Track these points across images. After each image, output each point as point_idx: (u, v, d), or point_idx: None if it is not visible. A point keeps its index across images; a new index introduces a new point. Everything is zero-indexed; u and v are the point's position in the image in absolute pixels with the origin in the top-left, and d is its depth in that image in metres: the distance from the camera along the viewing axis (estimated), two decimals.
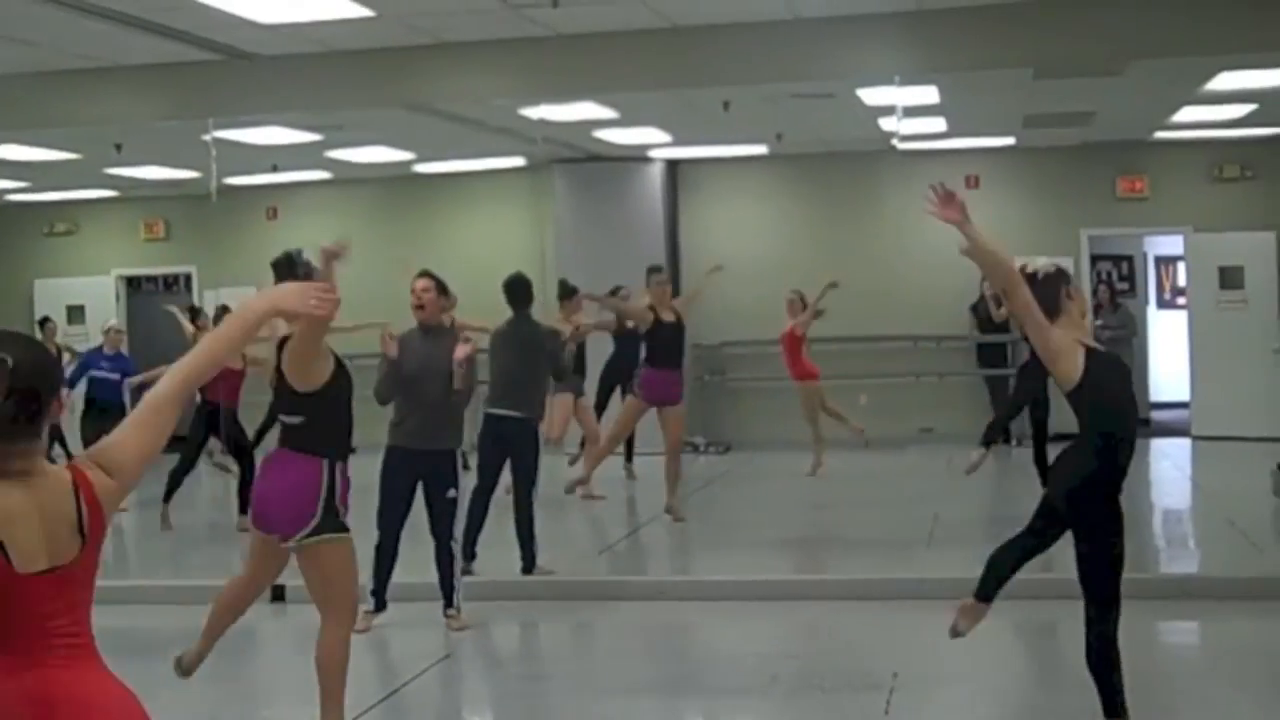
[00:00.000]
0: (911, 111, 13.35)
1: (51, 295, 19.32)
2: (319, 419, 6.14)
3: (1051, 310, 5.68)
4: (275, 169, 16.61)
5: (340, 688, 6.09)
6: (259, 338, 5.33)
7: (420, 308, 8.21)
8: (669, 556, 11.32)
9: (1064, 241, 17.14)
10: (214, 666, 6.77)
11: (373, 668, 7.83)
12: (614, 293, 13.58)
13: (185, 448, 12.19)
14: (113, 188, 18.15)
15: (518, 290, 9.74)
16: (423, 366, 8.09)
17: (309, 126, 13.72)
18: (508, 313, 9.78)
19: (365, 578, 8.33)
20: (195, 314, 14.13)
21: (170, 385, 3.17)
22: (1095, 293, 17.51)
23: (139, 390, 12.03)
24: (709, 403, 17.65)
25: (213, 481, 15.66)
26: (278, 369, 6.12)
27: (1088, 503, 5.73)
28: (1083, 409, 5.61)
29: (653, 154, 17.17)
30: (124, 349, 14.15)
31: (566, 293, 13.30)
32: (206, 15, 9.41)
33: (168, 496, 12.18)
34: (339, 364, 6.12)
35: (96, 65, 10.94)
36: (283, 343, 6.09)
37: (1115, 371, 5.70)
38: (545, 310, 11.58)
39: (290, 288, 3.31)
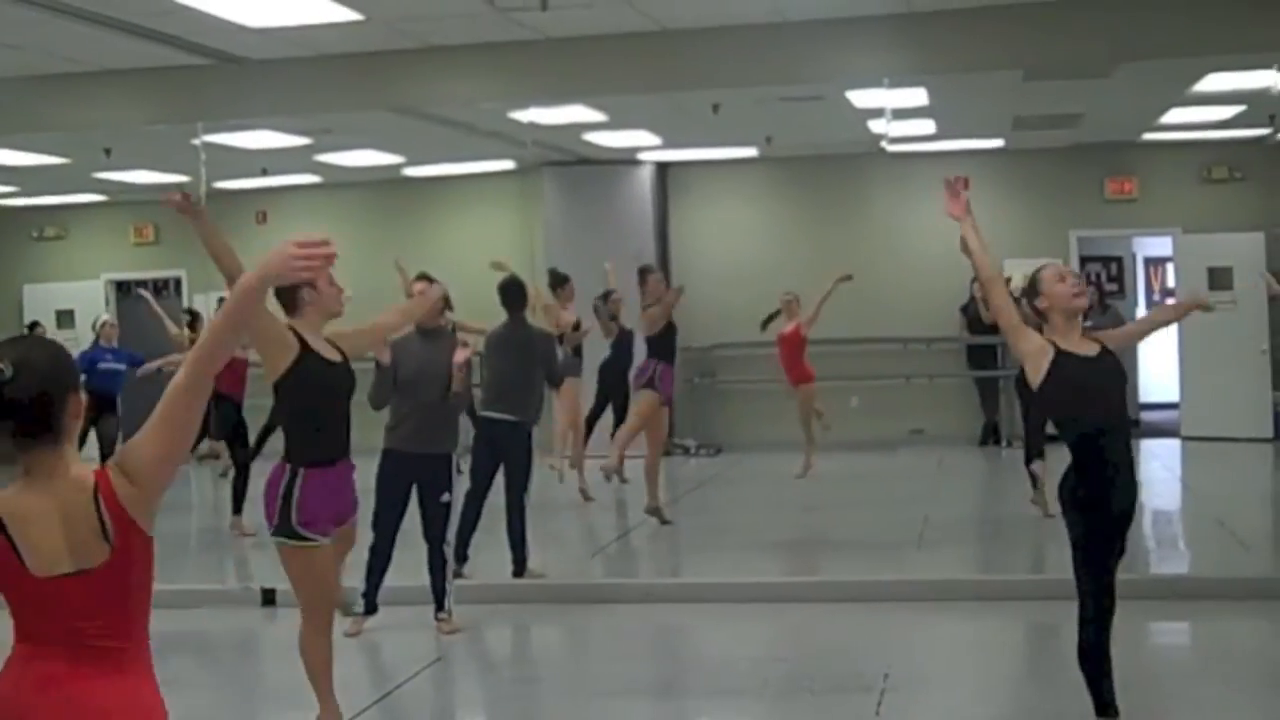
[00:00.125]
0: (901, 114, 13.37)
1: (41, 300, 19.27)
2: (282, 417, 6.19)
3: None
4: (265, 173, 16.59)
5: (322, 684, 6.19)
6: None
7: None
8: (660, 559, 11.32)
9: (1053, 243, 17.16)
10: (206, 672, 6.76)
11: (364, 671, 7.83)
12: (606, 297, 13.60)
13: None
14: (102, 192, 18.11)
15: (513, 293, 9.75)
16: (420, 369, 8.09)
17: (298, 130, 13.71)
18: (500, 315, 9.79)
19: (358, 580, 8.35)
20: (194, 318, 14.00)
21: (183, 375, 3.02)
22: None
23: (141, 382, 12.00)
24: (699, 405, 17.67)
25: (205, 479, 15.64)
26: None
27: (1069, 506, 5.80)
28: (1048, 411, 5.75)
29: (642, 157, 17.18)
30: (116, 344, 14.17)
31: (559, 281, 13.35)
32: (195, 19, 9.40)
33: None
34: (304, 359, 5.97)
35: (85, 69, 10.92)
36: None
37: (1082, 371, 5.71)
38: (536, 310, 11.56)
39: (274, 250, 3.01)
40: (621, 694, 7.39)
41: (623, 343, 13.81)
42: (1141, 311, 19.69)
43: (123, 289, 19.99)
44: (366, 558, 8.31)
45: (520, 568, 9.62)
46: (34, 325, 17.73)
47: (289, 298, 6.02)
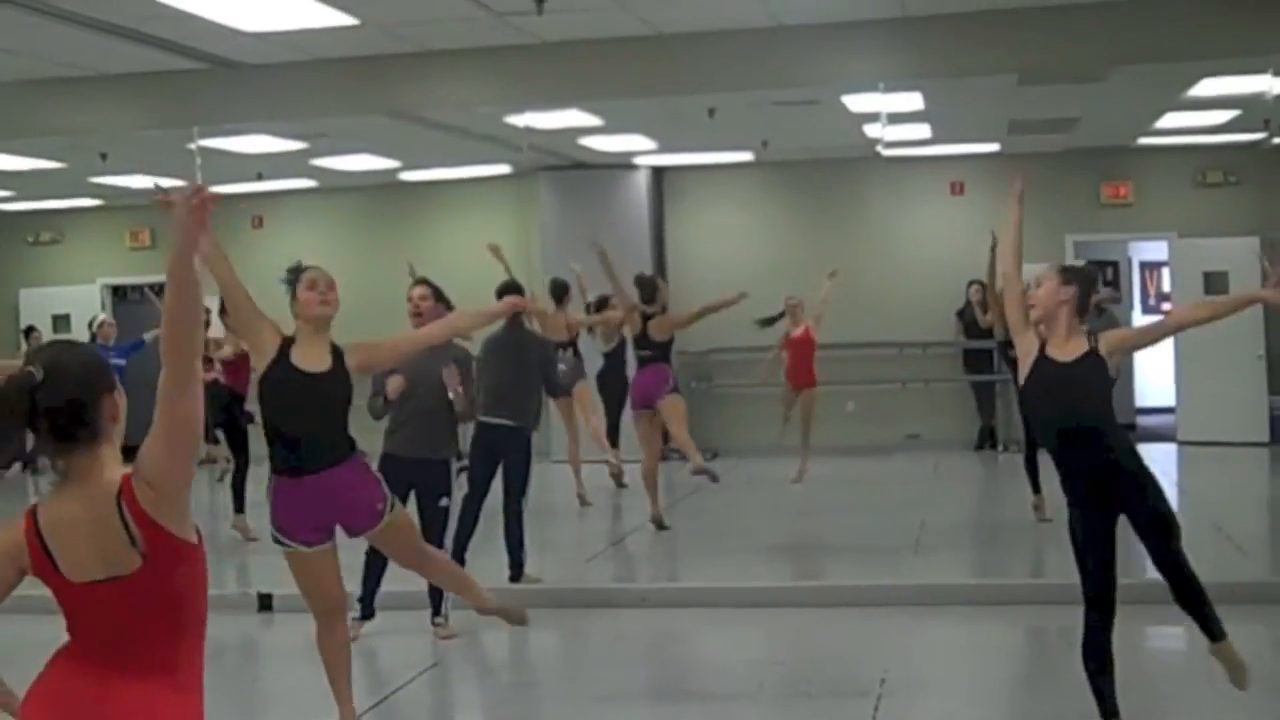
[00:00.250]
0: (896, 118, 13.38)
1: (37, 304, 19.27)
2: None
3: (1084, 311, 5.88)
4: (260, 177, 16.57)
5: (337, 686, 6.30)
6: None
7: (418, 315, 8.20)
8: (657, 564, 11.31)
9: (1049, 247, 17.15)
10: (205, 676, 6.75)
11: (361, 676, 7.80)
12: (601, 304, 13.61)
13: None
14: (98, 196, 18.11)
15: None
16: (418, 375, 8.06)
17: (294, 135, 13.71)
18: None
19: (354, 585, 8.34)
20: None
21: (164, 369, 2.94)
22: None
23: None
24: (696, 409, 17.59)
25: (201, 483, 15.63)
26: None
27: (1069, 505, 5.84)
28: (1021, 411, 5.89)
29: (638, 161, 17.18)
30: (113, 344, 14.18)
31: (564, 290, 13.40)
32: (191, 24, 9.40)
33: None
34: (275, 367, 6.03)
35: (81, 74, 10.92)
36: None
37: (1052, 375, 5.74)
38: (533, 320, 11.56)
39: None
40: (618, 699, 7.39)
41: (619, 352, 13.86)
42: (1137, 316, 19.71)
43: (119, 293, 19.99)
44: (363, 561, 8.30)
45: (517, 572, 9.61)
46: (30, 330, 17.73)
47: (293, 306, 6.17)
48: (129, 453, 2.92)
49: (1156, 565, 5.93)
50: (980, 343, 17.06)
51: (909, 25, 10.11)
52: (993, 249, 10.88)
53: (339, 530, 6.26)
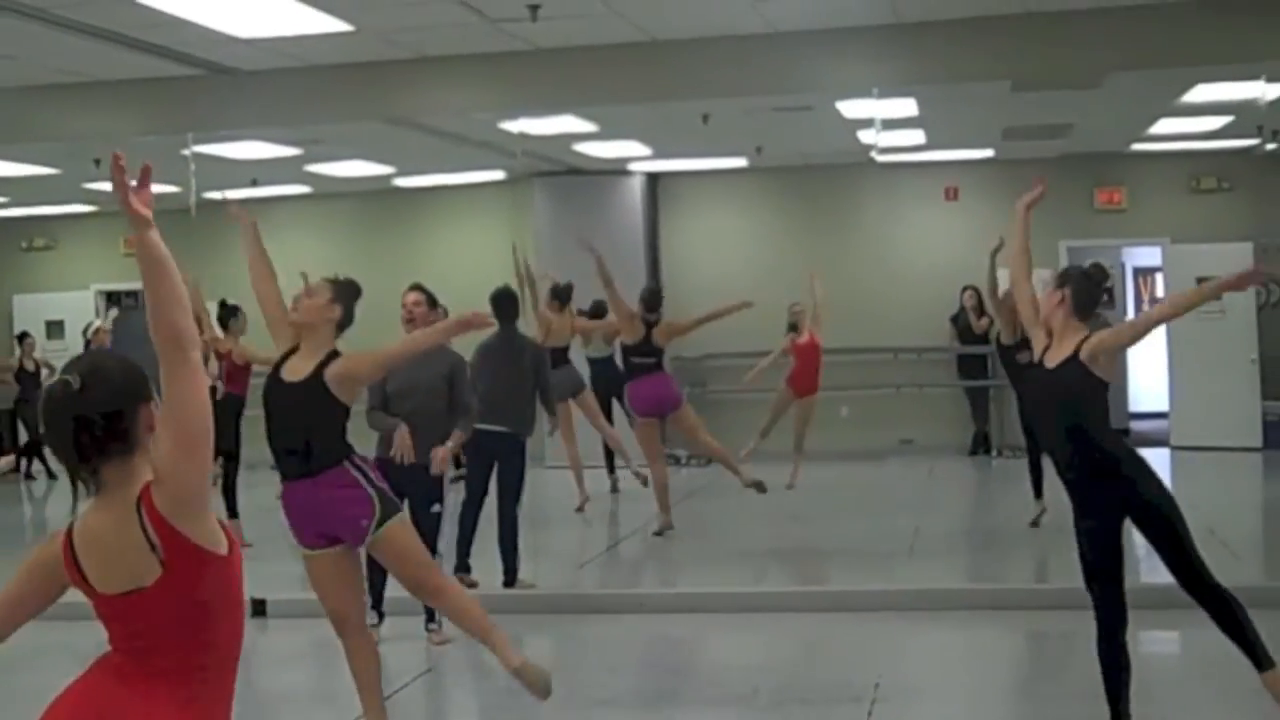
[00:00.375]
0: (890, 124, 13.40)
1: (30, 310, 19.24)
2: None
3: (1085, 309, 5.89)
4: (255, 183, 16.57)
5: (361, 694, 6.33)
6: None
7: (410, 321, 8.22)
8: (651, 569, 11.32)
9: (1043, 253, 17.07)
10: None
11: (353, 682, 7.81)
12: (597, 310, 13.64)
13: None
14: (92, 203, 18.09)
15: (504, 304, 9.74)
16: (410, 380, 8.06)
17: (288, 141, 13.71)
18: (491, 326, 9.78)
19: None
20: (232, 313, 12.68)
21: (159, 359, 2.90)
22: None
23: None
24: None
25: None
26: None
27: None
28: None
29: (633, 167, 17.19)
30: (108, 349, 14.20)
31: (568, 294, 13.44)
32: (186, 30, 9.40)
33: None
34: (274, 369, 6.27)
35: (75, 80, 10.93)
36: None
37: (1037, 382, 5.79)
38: (529, 323, 11.55)
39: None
40: (612, 704, 7.39)
41: (610, 359, 13.91)
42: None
43: (112, 299, 19.97)
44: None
45: (511, 578, 9.61)
46: (23, 336, 17.72)
47: None
48: None
49: (1176, 579, 5.87)
50: (974, 348, 17.09)
51: (903, 31, 10.13)
52: (993, 254, 10.90)
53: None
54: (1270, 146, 15.12)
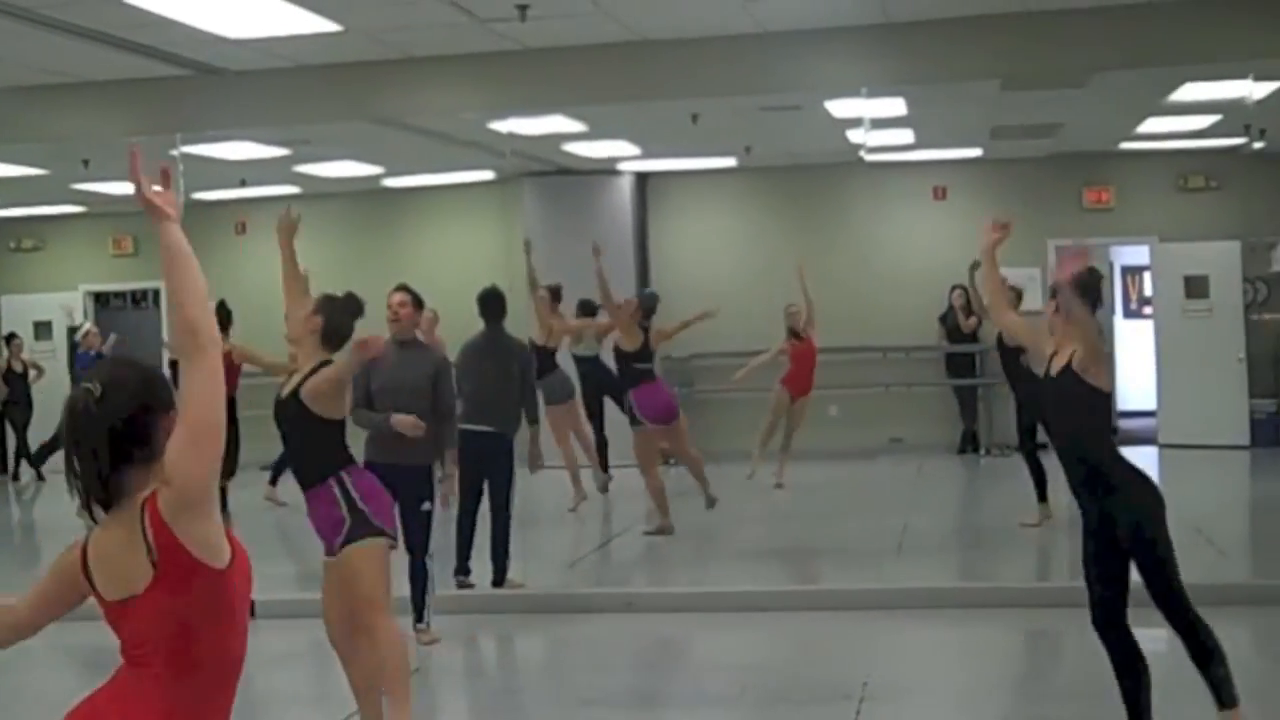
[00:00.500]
0: (879, 123, 13.41)
1: (18, 311, 19.20)
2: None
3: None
4: (244, 184, 16.57)
5: (356, 701, 6.36)
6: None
7: (396, 320, 8.21)
8: (640, 569, 11.32)
9: (1031, 252, 17.21)
10: None
11: (340, 682, 7.81)
12: (588, 309, 13.65)
13: None
14: (80, 203, 18.07)
15: (491, 304, 9.73)
16: (395, 380, 8.04)
17: (277, 141, 13.69)
18: (479, 326, 9.78)
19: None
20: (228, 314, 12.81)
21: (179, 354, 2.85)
22: None
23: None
24: None
25: None
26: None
27: None
28: None
29: (622, 167, 17.20)
30: (96, 351, 14.26)
31: (559, 294, 13.49)
32: (174, 31, 9.39)
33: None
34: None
35: (63, 80, 10.90)
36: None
37: (1044, 389, 5.81)
38: (519, 323, 11.53)
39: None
40: (601, 704, 7.39)
41: (597, 359, 13.96)
42: (1119, 320, 19.79)
43: (101, 300, 19.95)
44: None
45: (500, 577, 9.61)
46: (11, 337, 17.70)
47: None
48: None
49: (1157, 606, 5.78)
50: (963, 347, 17.12)
51: (891, 31, 10.14)
52: (972, 270, 10.93)
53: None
54: (1258, 145, 15.15)
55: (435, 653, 8.38)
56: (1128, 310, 20.24)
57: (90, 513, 2.88)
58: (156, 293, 19.36)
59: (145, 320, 19.37)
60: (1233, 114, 13.58)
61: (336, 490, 6.11)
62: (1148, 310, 18.39)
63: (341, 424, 6.24)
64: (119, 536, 2.85)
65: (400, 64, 10.65)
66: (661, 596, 9.76)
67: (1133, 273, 20.15)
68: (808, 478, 14.52)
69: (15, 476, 17.87)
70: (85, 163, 13.95)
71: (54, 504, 15.83)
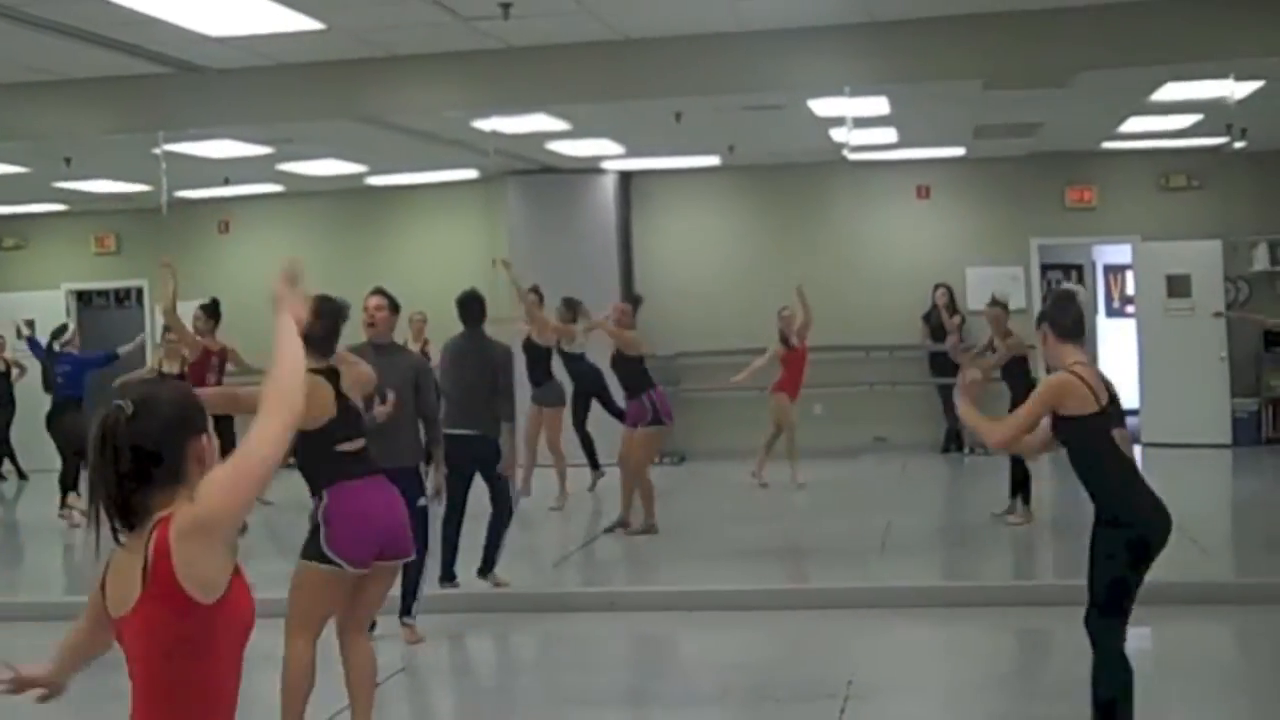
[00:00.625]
0: (862, 122, 13.42)
1: (1, 310, 19.13)
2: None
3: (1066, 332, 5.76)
4: (227, 182, 16.53)
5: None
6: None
7: (372, 325, 8.19)
8: (625, 568, 11.32)
9: (1014, 251, 17.29)
10: None
11: (324, 682, 7.80)
12: (572, 306, 13.64)
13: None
14: (62, 201, 18.01)
15: (471, 307, 9.70)
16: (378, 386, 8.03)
17: (260, 139, 13.66)
18: (459, 326, 9.76)
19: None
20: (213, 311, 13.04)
21: (259, 416, 2.89)
22: (1045, 301, 17.68)
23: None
24: None
25: None
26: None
27: None
28: None
29: (606, 165, 17.19)
30: (75, 351, 14.28)
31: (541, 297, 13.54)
32: (156, 29, 9.36)
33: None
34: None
35: (45, 78, 10.86)
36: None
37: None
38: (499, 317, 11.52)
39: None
40: (586, 703, 7.39)
41: (585, 355, 13.97)
42: (1102, 318, 19.85)
43: (83, 299, 19.89)
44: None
45: (486, 568, 9.59)
46: None
47: None
48: None
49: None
50: (946, 345, 17.13)
51: (874, 30, 10.15)
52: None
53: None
54: (1239, 145, 15.19)
55: (419, 652, 8.37)
56: (1110, 309, 20.29)
57: (114, 530, 2.86)
58: (140, 291, 19.30)
59: (128, 318, 19.31)
60: (1214, 114, 13.63)
61: (319, 508, 6.16)
62: (1130, 309, 18.44)
63: (316, 435, 6.21)
64: (130, 554, 2.84)
65: (383, 62, 10.64)
66: (646, 595, 9.77)
67: (1115, 272, 20.20)
68: (790, 477, 14.53)
69: (0, 476, 17.81)
70: (67, 161, 13.91)
71: (37, 503, 15.79)
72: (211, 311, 12.89)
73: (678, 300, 17.21)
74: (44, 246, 19.56)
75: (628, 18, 9.80)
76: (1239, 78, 11.65)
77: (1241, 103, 12.59)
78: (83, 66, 10.49)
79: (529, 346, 13.51)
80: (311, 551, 6.04)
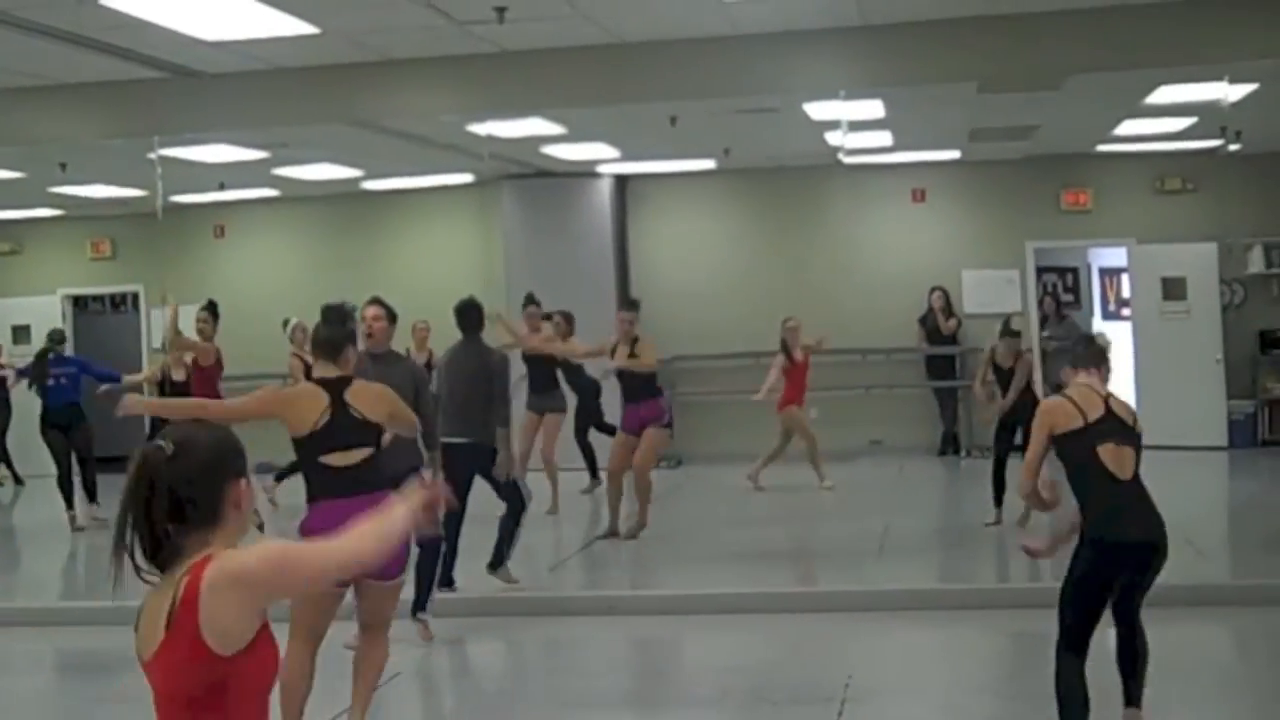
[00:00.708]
0: (857, 126, 13.43)
1: None
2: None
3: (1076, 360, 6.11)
4: (222, 187, 16.52)
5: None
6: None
7: (370, 335, 8.18)
8: (623, 571, 11.31)
9: (1010, 254, 17.30)
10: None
11: (323, 685, 7.79)
12: (570, 320, 13.64)
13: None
14: (58, 206, 17.99)
15: (469, 315, 9.69)
16: None
17: (255, 144, 13.65)
18: (457, 334, 9.75)
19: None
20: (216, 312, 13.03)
21: (327, 558, 3.02)
22: (1041, 304, 17.70)
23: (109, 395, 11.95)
24: None
25: None
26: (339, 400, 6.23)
27: None
28: None
29: (601, 169, 17.19)
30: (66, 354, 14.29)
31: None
32: (151, 33, 9.35)
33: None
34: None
35: (39, 83, 10.85)
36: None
37: None
38: (495, 327, 11.53)
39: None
40: (584, 706, 7.39)
41: (583, 367, 13.99)
42: (1098, 321, 19.85)
43: (79, 304, 19.88)
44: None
45: (497, 561, 9.61)
46: None
47: None
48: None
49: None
50: (942, 349, 17.17)
51: (869, 33, 10.16)
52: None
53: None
54: (1234, 147, 15.23)
55: (418, 655, 8.37)
56: (1106, 312, 20.28)
57: (136, 568, 2.86)
58: (135, 296, 19.29)
59: (124, 323, 19.31)
60: (1209, 116, 13.64)
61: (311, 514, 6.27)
62: (1126, 312, 18.44)
63: (299, 443, 6.23)
64: (160, 596, 2.83)
65: (378, 66, 10.63)
66: (644, 599, 9.77)
67: (1111, 274, 20.21)
68: (788, 480, 14.54)
69: None
70: (63, 166, 13.90)
71: (33, 510, 15.78)
72: (216, 313, 12.89)
73: (674, 304, 17.21)
74: (39, 252, 19.55)
75: (622, 21, 9.80)
76: (1233, 80, 11.67)
77: (1236, 105, 12.61)
78: (77, 71, 10.49)
79: (530, 356, 13.43)
80: None
